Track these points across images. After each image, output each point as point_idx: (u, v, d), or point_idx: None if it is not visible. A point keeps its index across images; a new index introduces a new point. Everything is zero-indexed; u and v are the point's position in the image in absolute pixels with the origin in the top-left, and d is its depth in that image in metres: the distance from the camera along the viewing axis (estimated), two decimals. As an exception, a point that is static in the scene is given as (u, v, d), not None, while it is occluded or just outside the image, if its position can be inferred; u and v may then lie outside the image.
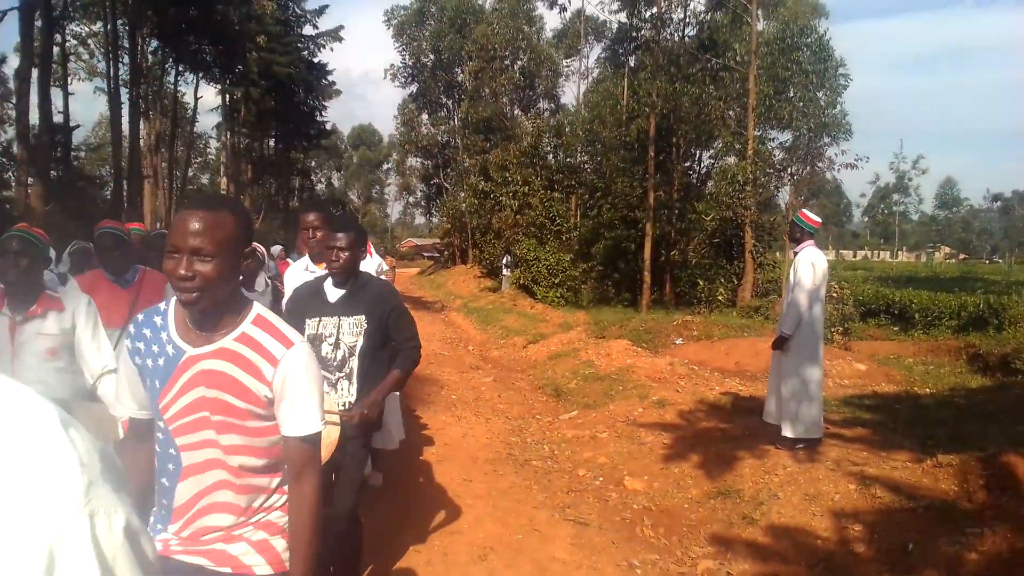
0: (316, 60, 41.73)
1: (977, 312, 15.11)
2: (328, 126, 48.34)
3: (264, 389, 1.71)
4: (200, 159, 51.79)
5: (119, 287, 3.56)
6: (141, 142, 30.69)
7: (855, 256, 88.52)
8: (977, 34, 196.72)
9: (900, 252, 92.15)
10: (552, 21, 77.97)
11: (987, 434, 6.00)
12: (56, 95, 24.25)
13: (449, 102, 41.16)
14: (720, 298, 15.31)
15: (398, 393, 5.06)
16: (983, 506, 4.28)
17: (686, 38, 23.83)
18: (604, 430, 7.22)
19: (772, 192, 18.67)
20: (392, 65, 40.74)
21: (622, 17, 25.67)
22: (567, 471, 6.08)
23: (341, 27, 41.46)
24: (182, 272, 1.60)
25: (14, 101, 20.41)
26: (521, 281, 22.25)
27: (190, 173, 47.09)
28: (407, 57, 39.96)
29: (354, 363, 3.13)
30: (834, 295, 12.70)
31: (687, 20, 23.71)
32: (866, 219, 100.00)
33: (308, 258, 4.12)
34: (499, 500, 5.11)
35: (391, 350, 3.26)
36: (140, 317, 1.81)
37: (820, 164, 33.01)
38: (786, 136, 18.42)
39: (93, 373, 2.97)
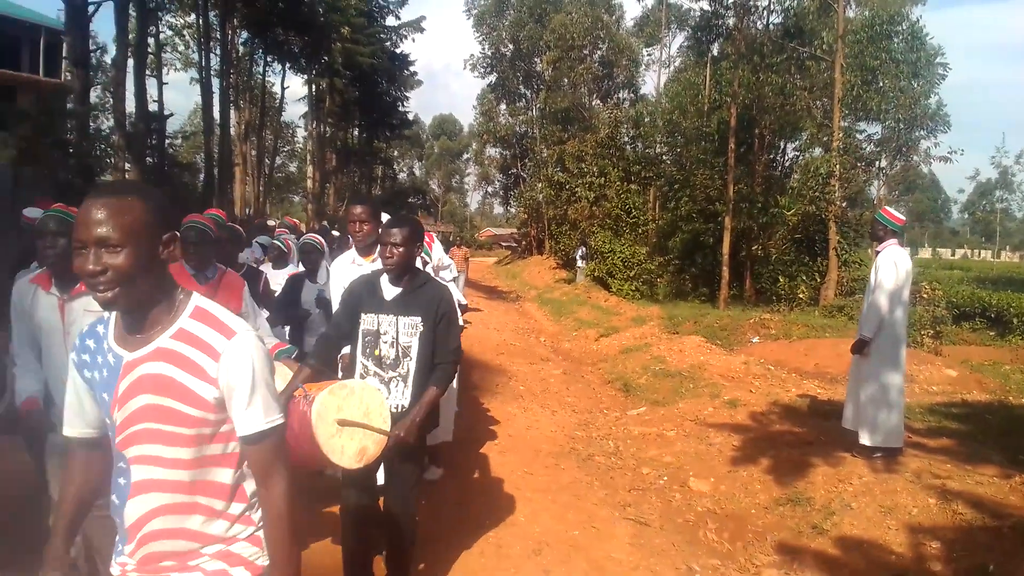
0: (398, 51, 42.50)
1: (1084, 319, 14.09)
2: (410, 116, 49.22)
3: (210, 390, 1.55)
4: (287, 148, 53.52)
5: (198, 283, 3.53)
6: (232, 130, 31.99)
7: (953, 255, 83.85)
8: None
9: (1003, 252, 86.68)
10: (633, 9, 76.71)
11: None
12: (151, 84, 25.56)
13: (528, 92, 41.19)
14: (801, 296, 14.75)
15: (455, 385, 5.12)
16: (1078, 530, 3.98)
17: (771, 26, 23.00)
18: (672, 428, 7.08)
19: (859, 187, 17.82)
20: (472, 55, 41.04)
21: (705, 4, 24.95)
22: (631, 469, 6.00)
23: (423, 18, 42.03)
24: (91, 267, 1.45)
25: (112, 90, 21.54)
26: (596, 273, 22.08)
27: (278, 161, 48.83)
28: (486, 47, 40.16)
29: (410, 364, 3.10)
30: (925, 296, 12.07)
31: (772, 7, 22.86)
32: (965, 216, 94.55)
33: (355, 251, 4.14)
34: (559, 495, 5.09)
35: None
36: (84, 328, 1.68)
37: (915, 157, 31.44)
38: (875, 128, 17.53)
39: None
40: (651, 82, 41.18)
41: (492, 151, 47.91)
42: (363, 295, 3.16)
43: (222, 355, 1.55)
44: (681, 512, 5.09)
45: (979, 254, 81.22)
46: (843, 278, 15.70)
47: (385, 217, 4.08)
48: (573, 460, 6.04)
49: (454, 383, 4.64)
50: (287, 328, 4.96)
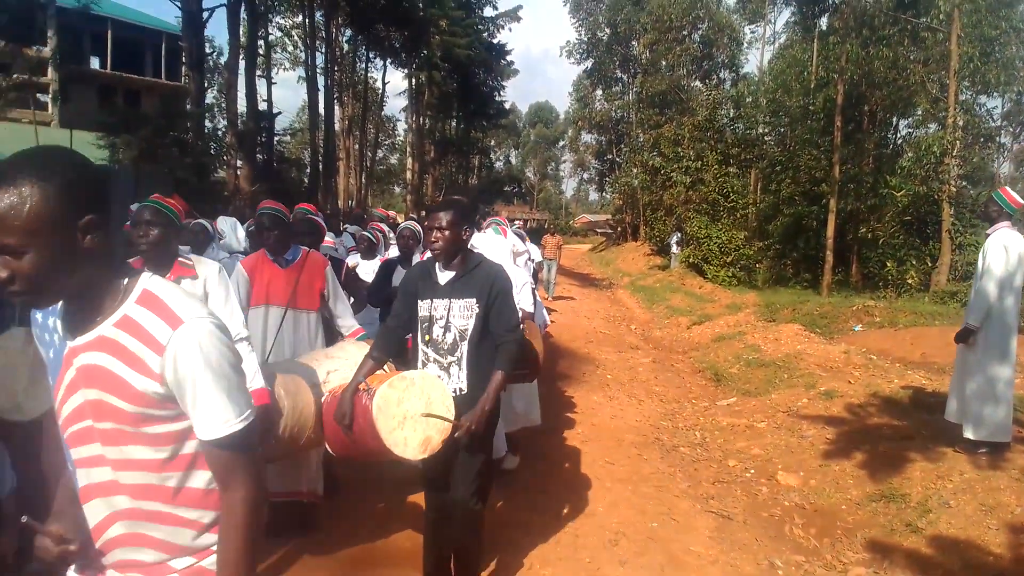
0: (495, 41, 42.85)
1: None
2: (506, 105, 49.61)
3: (152, 385, 1.32)
4: (388, 141, 55.07)
5: (279, 266, 3.80)
6: (336, 125, 33.26)
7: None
8: None
9: None
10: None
11: None
12: (261, 85, 26.87)
13: (624, 76, 40.66)
14: (910, 282, 13.89)
15: None
16: None
17: (883, -4, 21.62)
18: (762, 420, 6.92)
19: (978, 164, 16.57)
20: (568, 42, 40.87)
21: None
22: (716, 460, 5.91)
23: (519, 7, 42.18)
24: None
25: (226, 91, 22.83)
26: (691, 259, 21.63)
27: (379, 154, 50.30)
28: (583, 33, 39.85)
29: (465, 348, 3.07)
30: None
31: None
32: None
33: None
34: (640, 485, 5.08)
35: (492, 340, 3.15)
36: None
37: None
38: (995, 102, 16.21)
39: None
40: (754, 60, 39.62)
41: (587, 137, 47.80)
42: (419, 282, 3.17)
43: (166, 347, 1.32)
44: (767, 506, 4.99)
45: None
46: (957, 262, 14.68)
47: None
48: (657, 451, 6.01)
49: None
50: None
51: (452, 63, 37.42)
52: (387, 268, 5.15)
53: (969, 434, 5.17)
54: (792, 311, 13.19)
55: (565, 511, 4.53)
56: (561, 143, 75.25)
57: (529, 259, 9.00)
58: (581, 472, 5.31)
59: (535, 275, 7.32)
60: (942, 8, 15.71)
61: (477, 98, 42.77)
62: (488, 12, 41.39)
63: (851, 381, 7.78)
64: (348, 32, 34.81)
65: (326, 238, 5.77)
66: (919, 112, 20.88)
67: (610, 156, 44.50)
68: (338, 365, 3.34)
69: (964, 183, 18.39)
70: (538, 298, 6.38)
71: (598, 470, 5.34)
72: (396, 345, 3.28)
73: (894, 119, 23.74)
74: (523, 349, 3.48)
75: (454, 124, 45.91)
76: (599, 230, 59.32)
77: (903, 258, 15.95)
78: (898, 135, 23.86)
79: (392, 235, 6.50)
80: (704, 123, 23.78)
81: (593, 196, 74.45)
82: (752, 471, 5.65)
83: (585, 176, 59.05)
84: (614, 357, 10.28)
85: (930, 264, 16.11)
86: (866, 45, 19.74)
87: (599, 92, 42.51)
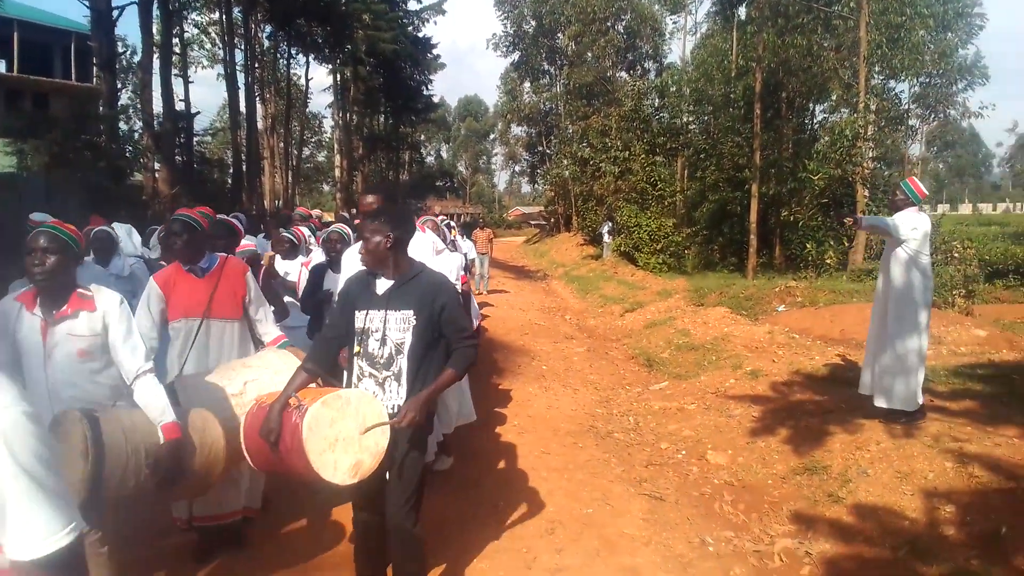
0: (420, 35, 42.42)
1: (1122, 272, 13.65)
2: (435, 99, 49.25)
3: None
4: (315, 138, 54.00)
5: (195, 276, 3.62)
6: (259, 124, 32.41)
7: (994, 209, 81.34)
8: None
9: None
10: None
11: (1117, 409, 5.47)
12: (179, 84, 25.97)
13: (551, 69, 40.90)
14: (829, 262, 14.50)
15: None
16: (1094, 490, 3.94)
17: (796, -15, 22.38)
18: (693, 402, 7.11)
19: (888, 147, 17.37)
20: (494, 35, 40.79)
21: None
22: (649, 444, 6.04)
23: (444, 0, 41.83)
24: None
25: (140, 92, 21.98)
26: (622, 248, 21.98)
27: (306, 152, 49.31)
28: (508, 25, 39.85)
29: (403, 362, 2.90)
30: (956, 255, 11.81)
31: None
32: (1006, 169, 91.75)
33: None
34: (575, 473, 5.15)
35: (446, 346, 3.00)
36: None
37: (951, 112, 30.43)
38: (903, 87, 17.01)
39: (128, 375, 2.82)
40: (677, 51, 40.58)
41: (517, 130, 47.86)
42: (359, 290, 3.00)
43: None
44: (697, 485, 5.13)
45: (1021, 207, 78.67)
46: (871, 241, 15.40)
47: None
48: (592, 438, 6.10)
49: None
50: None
51: (377, 58, 36.93)
52: (317, 273, 5.04)
53: (880, 403, 5.40)
54: (719, 295, 13.54)
55: (501, 504, 4.56)
56: (492, 136, 75.24)
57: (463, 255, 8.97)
58: (517, 464, 5.35)
59: (468, 270, 7.30)
60: (853, -6, 16.37)
61: (405, 92, 42.33)
62: (412, 5, 41.00)
63: (775, 360, 8.06)
64: (268, 28, 33.97)
65: (247, 240, 5.62)
66: (833, 98, 21.71)
67: (541, 148, 44.76)
68: (256, 375, 3.23)
69: (878, 164, 19.23)
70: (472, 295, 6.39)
71: (534, 461, 5.39)
72: (332, 356, 3.11)
73: (810, 105, 24.62)
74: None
75: (382, 119, 45.35)
76: (533, 222, 59.68)
77: (822, 239, 16.60)
78: (814, 120, 24.77)
79: (311, 237, 6.37)
80: (630, 113, 24.16)
81: (526, 188, 74.81)
82: (683, 452, 5.80)
83: (517, 169, 59.17)
84: (549, 348, 10.37)
85: (847, 244, 16.84)
86: (782, 34, 20.39)
87: (527, 84, 42.68)
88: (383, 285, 2.97)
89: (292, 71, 39.08)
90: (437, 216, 12.41)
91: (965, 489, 4.27)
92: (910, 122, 20.53)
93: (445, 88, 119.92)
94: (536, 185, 51.39)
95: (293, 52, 36.78)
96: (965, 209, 79.95)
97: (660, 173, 23.14)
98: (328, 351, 3.06)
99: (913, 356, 5.34)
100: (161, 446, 2.73)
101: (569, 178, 31.17)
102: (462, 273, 5.53)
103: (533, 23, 38.45)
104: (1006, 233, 28.19)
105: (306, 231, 6.24)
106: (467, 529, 4.17)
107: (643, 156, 23.03)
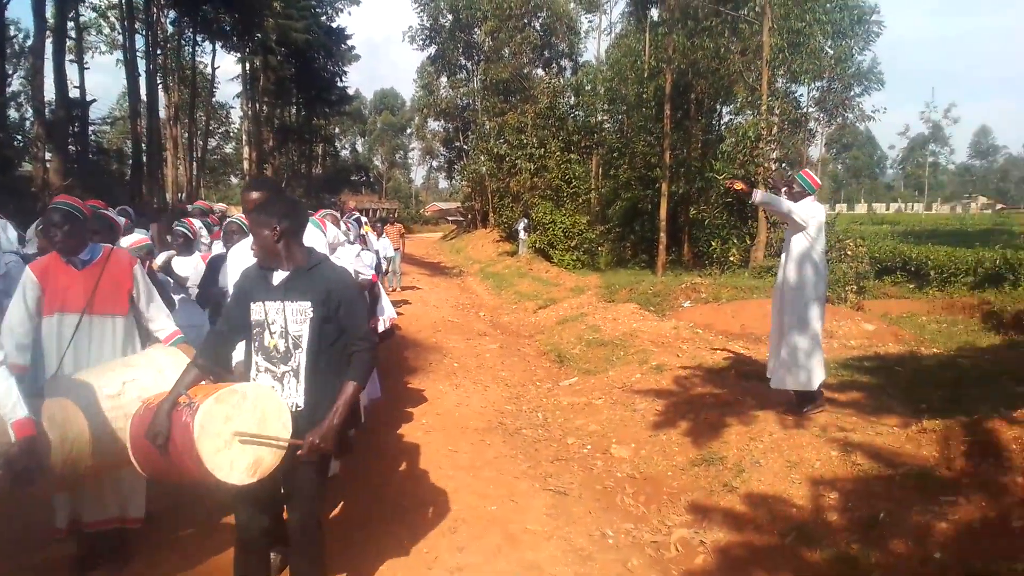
0: (335, 25, 41.56)
1: (994, 268, 14.75)
2: (350, 91, 48.29)
3: None
4: (222, 129, 52.08)
5: (74, 268, 3.41)
6: (161, 113, 31.01)
7: (887, 209, 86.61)
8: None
9: (934, 204, 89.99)
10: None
11: (984, 397, 5.88)
12: (73, 70, 24.52)
13: (468, 64, 40.82)
14: (733, 259, 15.08)
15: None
16: (961, 474, 4.21)
17: (704, -11, 23.11)
18: (600, 397, 7.22)
19: (789, 148, 18.21)
20: (410, 27, 40.33)
21: (639, -31, 24.99)
22: (556, 439, 6.10)
23: (359, -10, 41.10)
24: None
25: (31, 78, 20.65)
26: (538, 245, 22.19)
27: (212, 143, 47.51)
28: (425, 18, 39.53)
29: (301, 357, 2.77)
30: (849, 253, 12.47)
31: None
32: (899, 171, 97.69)
33: None
34: (481, 470, 5.15)
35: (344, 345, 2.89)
36: None
37: (849, 115, 32.12)
38: (802, 90, 17.86)
39: None
40: (592, 50, 41.23)
41: (434, 125, 47.56)
42: (255, 282, 2.85)
43: None
44: (601, 479, 5.21)
45: (912, 207, 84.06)
46: (772, 239, 16.11)
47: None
48: (500, 435, 6.11)
49: None
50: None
51: (289, 47, 35.97)
52: (214, 265, 4.85)
53: (786, 386, 5.62)
54: (630, 291, 13.84)
55: (405, 504, 4.51)
56: (409, 131, 74.52)
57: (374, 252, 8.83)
58: (423, 463, 5.30)
59: (378, 268, 7.13)
60: (757, 1, 16.99)
61: (318, 83, 41.39)
62: (326, -5, 40.11)
63: (679, 354, 8.29)
64: (172, 13, 32.49)
65: (140, 234, 5.35)
66: (739, 100, 22.54)
67: (458, 143, 44.65)
68: (136, 374, 3.04)
69: (780, 165, 20.07)
70: (383, 291, 6.28)
71: (440, 459, 5.35)
72: (226, 352, 2.97)
73: (718, 106, 25.50)
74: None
75: (294, 111, 44.18)
76: (450, 218, 59.48)
77: (726, 237, 17.23)
78: (721, 122, 25.64)
79: (203, 230, 6.12)
80: (546, 111, 24.40)
81: (443, 184, 74.43)
82: (589, 447, 5.89)
83: (434, 164, 58.82)
84: (462, 345, 10.34)
85: (749, 242, 17.54)
86: (691, 36, 20.99)
87: (444, 79, 42.45)
88: (279, 276, 2.83)
89: (198, 59, 37.59)
90: (352, 211, 12.18)
91: (848, 477, 4.49)
92: (810, 125, 21.45)
93: (361, 80, 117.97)
94: (453, 181, 51.25)
95: (199, 39, 35.35)
96: (861, 209, 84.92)
97: (575, 171, 23.48)
98: (222, 346, 2.92)
99: (808, 342, 5.59)
100: (12, 445, 2.54)
101: (486, 174, 31.21)
102: (372, 271, 5.44)
103: (450, 17, 38.27)
104: (896, 232, 30.04)
105: (198, 224, 5.95)
106: (369, 531, 4.10)
107: (558, 154, 23.31)
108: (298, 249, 2.85)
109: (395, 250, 15.37)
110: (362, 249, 6.69)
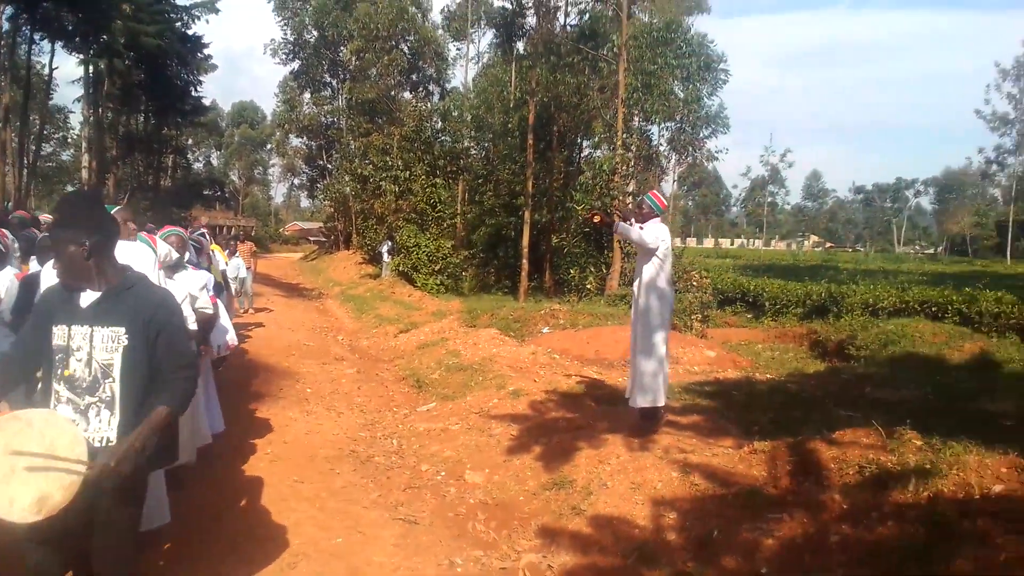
0: (190, 32, 39.50)
1: (820, 300, 16.21)
2: (206, 102, 45.95)
3: None
4: (59, 134, 47.99)
5: None
6: (-13, 113, 28.15)
7: (732, 244, 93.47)
8: (849, 33, 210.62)
9: (773, 240, 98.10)
10: (444, 1, 77.33)
11: (809, 419, 6.38)
12: None
13: (333, 81, 40.04)
14: (590, 287, 15.68)
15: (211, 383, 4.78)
16: (786, 492, 4.51)
17: (568, 27, 24.09)
18: (457, 422, 7.19)
19: (643, 183, 19.24)
20: (272, 40, 39.09)
21: (507, 2, 25.66)
22: (410, 467, 6.00)
23: (217, -3, 39.35)
24: None
25: None
26: (401, 268, 21.98)
27: (47, 148, 43.67)
28: (288, 32, 38.47)
29: (115, 387, 2.51)
30: (695, 284, 13.24)
31: (567, 10, 23.96)
32: (742, 209, 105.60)
33: None
34: (328, 501, 4.97)
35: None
36: None
37: (698, 155, 34.44)
38: (654, 128, 18.98)
39: None
40: (460, 76, 41.73)
41: (297, 141, 46.10)
42: (58, 303, 2.56)
43: None
44: (453, 506, 5.17)
45: (753, 243, 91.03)
46: (626, 269, 16.87)
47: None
48: (351, 463, 5.93)
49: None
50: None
51: (139, 52, 33.74)
52: (28, 286, 4.41)
53: (639, 403, 5.90)
54: (491, 316, 13.97)
55: (242, 539, 4.24)
56: (269, 146, 71.87)
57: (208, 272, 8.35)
58: (264, 496, 5.03)
59: (217, 288, 6.64)
60: (615, 42, 17.88)
61: (170, 92, 39.04)
62: (182, 0, 38.09)
63: (536, 379, 8.43)
64: (8, 9, 29.63)
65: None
66: (597, 135, 23.53)
67: (321, 162, 43.57)
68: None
69: (635, 197, 21.10)
70: (223, 314, 5.93)
71: (284, 490, 5.11)
72: (16, 379, 2.66)
73: (579, 139, 26.51)
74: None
75: (142, 119, 41.46)
76: (312, 238, 57.83)
77: (584, 265, 17.84)
78: (581, 154, 26.66)
79: (15, 243, 5.55)
80: (412, 134, 24.36)
81: (305, 203, 72.34)
82: (443, 473, 5.83)
83: (296, 181, 56.96)
84: (316, 370, 10.00)
85: (605, 271, 18.28)
86: (554, 70, 21.75)
87: (307, 95, 41.40)
88: (88, 298, 2.55)
89: (35, 58, 34.51)
90: (199, 226, 11.54)
91: (687, 496, 4.70)
92: (664, 162, 22.72)
93: (219, 92, 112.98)
94: (316, 200, 49.83)
95: (36, 37, 32.46)
96: (709, 243, 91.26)
97: (440, 195, 23.55)
98: (12, 373, 2.62)
99: (655, 364, 5.88)
100: None
101: (350, 195, 30.65)
102: (210, 292, 5.14)
103: (315, 33, 37.49)
104: (737, 265, 32.34)
105: (11, 236, 5.32)
106: (199, 571, 3.82)
107: (424, 177, 23.30)
108: (111, 267, 2.59)
109: (247, 269, 14.68)
110: (204, 267, 6.31)
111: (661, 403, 5.94)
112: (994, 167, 62.23)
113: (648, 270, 5.91)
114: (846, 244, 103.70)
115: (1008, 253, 59.71)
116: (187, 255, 5.18)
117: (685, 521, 4.40)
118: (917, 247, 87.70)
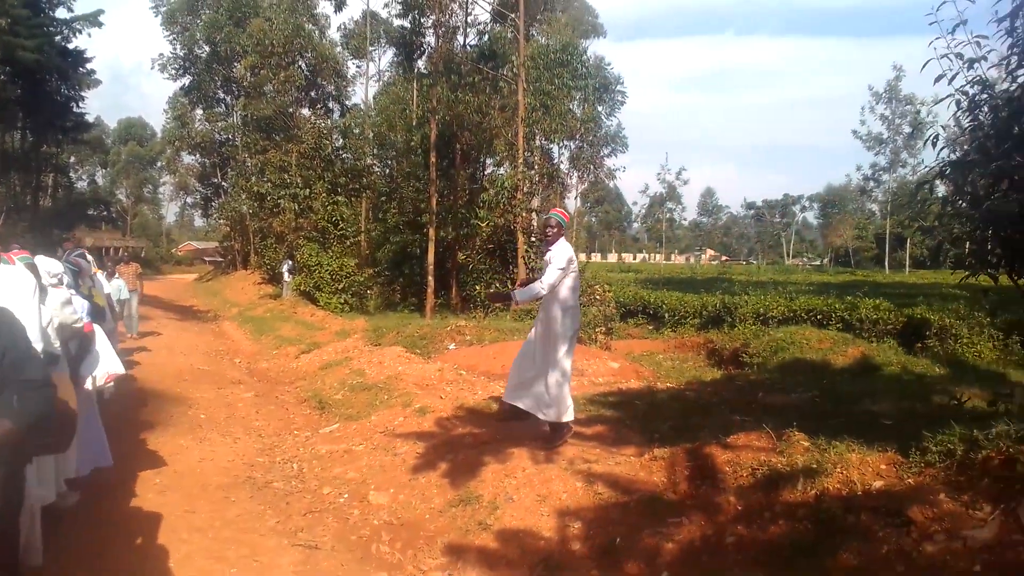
0: (72, 46, 37.38)
1: (716, 311, 16.89)
2: (90, 118, 43.52)
3: None
4: (-79, 150, 44.19)
5: None
6: None
7: (634, 259, 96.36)
8: (737, 58, 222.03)
9: (672, 255, 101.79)
10: (343, 17, 76.42)
11: (705, 425, 6.58)
12: None
13: (227, 97, 38.74)
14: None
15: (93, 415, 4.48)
16: (685, 496, 4.64)
17: (467, 47, 24.30)
18: (361, 443, 7.03)
19: (546, 200, 19.58)
20: (161, 55, 37.47)
21: (406, 22, 25.65)
22: (311, 490, 5.81)
23: (101, 11, 37.39)
24: None
25: None
26: (303, 288, 21.39)
27: (-93, 166, 40.15)
28: (178, 48, 37.01)
29: None
30: (598, 297, 13.50)
31: (467, 30, 24.20)
32: (643, 225, 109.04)
33: None
34: (222, 531, 4.73)
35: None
36: None
37: (598, 172, 35.40)
38: (554, 147, 19.37)
39: None
40: (361, 94, 41.11)
41: (189, 159, 44.24)
42: None
43: None
44: (357, 529, 5.03)
45: (654, 257, 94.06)
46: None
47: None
48: (247, 490, 5.68)
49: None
50: None
51: (16, 67, 31.66)
52: None
53: (548, 417, 5.90)
54: (397, 334, 13.76)
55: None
56: (159, 164, 68.69)
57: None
58: (152, 529, 4.74)
59: (97, 314, 6.12)
60: (514, 63, 18.15)
61: (50, 108, 36.78)
62: (62, 14, 36.02)
63: (442, 396, 8.35)
64: None
65: None
66: (499, 153, 23.77)
67: (216, 180, 41.98)
68: None
69: (538, 215, 21.41)
70: (103, 342, 5.53)
71: (174, 521, 4.83)
72: None
73: (482, 157, 26.69)
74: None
75: (19, 136, 38.82)
76: (207, 258, 55.57)
77: (490, 281, 17.91)
78: (484, 172, 26.86)
79: None
80: (311, 151, 23.85)
81: (199, 222, 69.35)
82: (346, 495, 5.67)
83: (189, 200, 54.58)
84: (211, 395, 9.57)
85: (511, 286, 18.41)
86: (455, 89, 21.85)
87: (199, 111, 39.88)
88: None
89: None
90: (73, 248, 10.87)
91: (591, 506, 4.75)
92: (566, 179, 23.22)
93: (104, 108, 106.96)
94: (211, 219, 47.88)
95: None
96: (612, 257, 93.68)
97: (342, 213, 23.12)
98: None
99: (558, 375, 5.92)
100: None
101: (247, 213, 29.65)
102: (86, 318, 4.84)
103: (207, 48, 36.22)
104: (639, 279, 33.28)
105: None
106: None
107: (324, 195, 22.83)
108: None
109: (131, 291, 13.86)
110: (73, 294, 5.89)
111: (567, 419, 5.94)
112: (871, 183, 66.77)
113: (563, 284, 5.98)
114: (740, 257, 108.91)
115: (886, 263, 64.19)
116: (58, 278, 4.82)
117: (589, 530, 4.45)
118: (805, 259, 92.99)
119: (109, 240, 46.35)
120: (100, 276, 9.57)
